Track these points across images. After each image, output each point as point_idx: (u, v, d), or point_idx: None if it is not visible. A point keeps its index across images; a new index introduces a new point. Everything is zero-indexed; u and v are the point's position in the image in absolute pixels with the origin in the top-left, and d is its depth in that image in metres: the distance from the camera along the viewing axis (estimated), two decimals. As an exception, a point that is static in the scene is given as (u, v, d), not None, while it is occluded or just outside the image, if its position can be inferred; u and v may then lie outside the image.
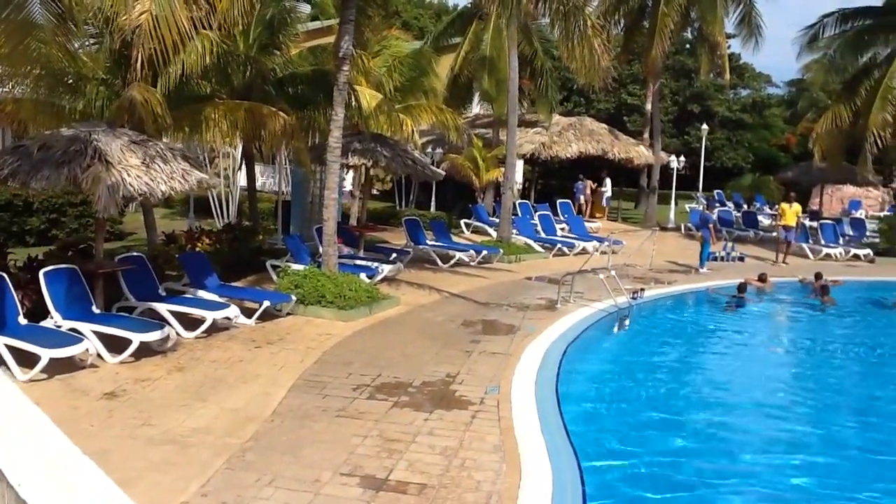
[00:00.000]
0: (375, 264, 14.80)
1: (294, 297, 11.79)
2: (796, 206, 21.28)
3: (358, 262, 15.04)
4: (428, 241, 18.43)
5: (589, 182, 31.26)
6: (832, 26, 24.76)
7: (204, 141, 14.82)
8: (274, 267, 13.96)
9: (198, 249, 14.12)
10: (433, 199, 28.18)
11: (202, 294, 11.42)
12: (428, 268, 16.91)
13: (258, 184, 24.22)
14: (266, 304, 11.29)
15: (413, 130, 17.84)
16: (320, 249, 13.40)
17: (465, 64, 26.31)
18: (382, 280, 14.40)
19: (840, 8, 24.66)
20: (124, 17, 10.57)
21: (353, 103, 16.01)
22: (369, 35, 16.99)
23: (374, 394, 8.15)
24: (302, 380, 8.56)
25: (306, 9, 20.28)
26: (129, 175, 9.03)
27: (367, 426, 7.15)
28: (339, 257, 13.69)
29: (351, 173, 23.94)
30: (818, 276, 17.12)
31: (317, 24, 26.42)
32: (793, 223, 21.00)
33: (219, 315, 10.37)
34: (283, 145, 16.09)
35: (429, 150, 28.15)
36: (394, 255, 16.51)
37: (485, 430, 7.19)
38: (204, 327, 10.13)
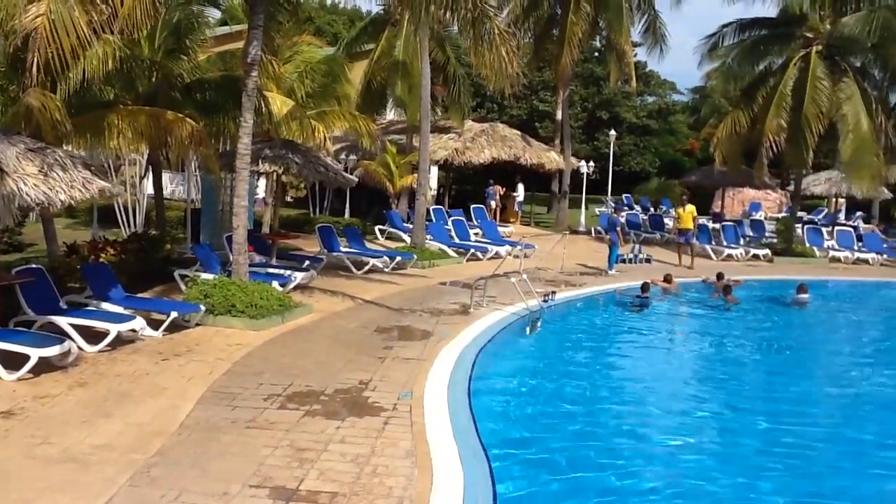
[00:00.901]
0: (288, 272, 14.63)
1: (203, 307, 11.55)
2: (690, 208, 21.76)
3: (270, 270, 14.84)
4: (342, 248, 18.35)
5: (497, 187, 31.67)
6: (731, 36, 25.72)
7: (108, 148, 14.37)
8: (182, 276, 13.63)
9: (102, 260, 13.67)
10: (347, 205, 28.07)
11: (106, 306, 11.07)
12: (342, 275, 16.82)
13: (168, 192, 23.70)
14: (174, 314, 11.02)
15: (325, 137, 17.77)
16: (231, 258, 13.19)
17: (378, 70, 26.35)
18: (295, 288, 14.27)
19: (738, 18, 25.69)
20: (16, 21, 10.17)
21: (264, 109, 15.82)
22: (280, 41, 16.85)
23: (286, 403, 8.07)
24: (211, 391, 8.40)
25: (215, 14, 19.88)
26: (25, 184, 8.70)
27: (277, 436, 7.07)
28: (251, 266, 13.50)
29: (263, 180, 23.62)
30: (720, 276, 17.83)
31: (226, 29, 25.98)
32: (689, 225, 21.62)
33: (123, 327, 10.08)
34: (190, 152, 15.74)
35: (342, 156, 28.05)
36: (307, 262, 16.35)
37: (397, 436, 7.21)
38: (108, 340, 9.82)
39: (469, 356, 10.43)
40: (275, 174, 16.05)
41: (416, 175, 21.82)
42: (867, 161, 22.59)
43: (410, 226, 22.33)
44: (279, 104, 16.93)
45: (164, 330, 10.83)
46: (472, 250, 20.95)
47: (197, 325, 11.50)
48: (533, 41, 32.31)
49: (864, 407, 10.27)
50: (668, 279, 17.45)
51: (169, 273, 14.13)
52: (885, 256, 24.84)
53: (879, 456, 8.14)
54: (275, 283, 13.17)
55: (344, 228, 20.79)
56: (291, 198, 31.95)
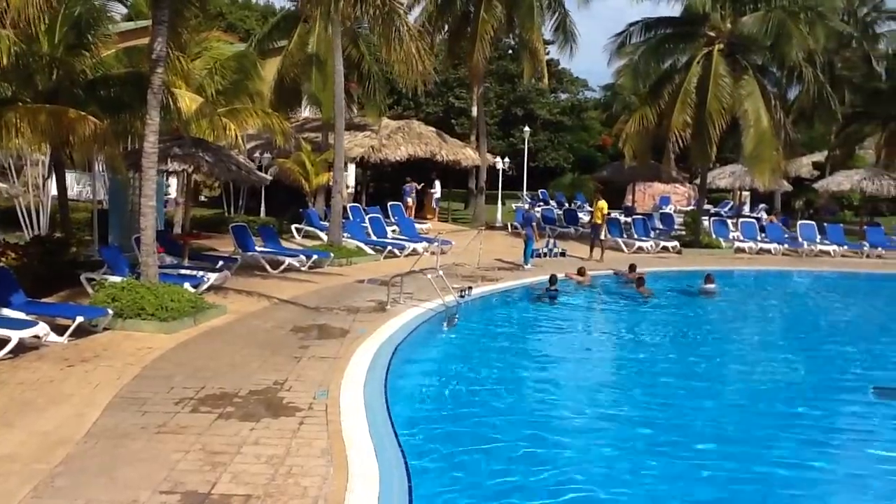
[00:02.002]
0: (201, 273, 14.32)
1: (111, 311, 11.18)
2: (601, 204, 22.35)
3: (182, 271, 14.50)
4: (257, 248, 18.07)
5: (413, 184, 31.72)
6: (638, 34, 26.45)
7: (6, 148, 13.78)
8: (89, 280, 13.20)
9: (2, 264, 13.09)
10: (263, 204, 27.64)
11: (6, 312, 10.61)
12: (258, 275, 16.57)
13: (75, 192, 22.86)
14: (79, 319, 10.63)
15: (237, 135, 17.44)
16: (140, 260, 12.83)
17: (291, 67, 26.04)
18: (209, 289, 13.99)
19: (644, 17, 26.41)
20: None
21: (172, 107, 15.41)
22: (188, 37, 16.44)
23: (198, 407, 7.91)
24: (119, 397, 8.16)
25: (121, 9, 19.24)
26: (-87, 186, 8.30)
27: (189, 441, 6.94)
28: (162, 267, 13.18)
29: (174, 180, 23.05)
30: (632, 267, 18.32)
31: (131, 25, 25.22)
32: (599, 220, 22.15)
33: (25, 334, 9.68)
34: (95, 151, 15.21)
35: (256, 154, 27.61)
36: (220, 262, 16.02)
37: (312, 436, 7.18)
38: (9, 348, 9.43)
39: (386, 353, 10.44)
40: (185, 173, 15.65)
41: (332, 173, 21.66)
42: (767, 155, 23.60)
43: (328, 224, 22.15)
44: (188, 101, 16.53)
45: (70, 335, 10.46)
46: (390, 247, 20.94)
47: (105, 329, 11.15)
48: (448, 38, 32.47)
49: (765, 384, 10.82)
50: (581, 272, 17.84)
51: (75, 277, 13.64)
52: (785, 246, 25.96)
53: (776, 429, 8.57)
54: (186, 285, 12.90)
55: (259, 227, 20.48)
56: (205, 197, 31.26)
